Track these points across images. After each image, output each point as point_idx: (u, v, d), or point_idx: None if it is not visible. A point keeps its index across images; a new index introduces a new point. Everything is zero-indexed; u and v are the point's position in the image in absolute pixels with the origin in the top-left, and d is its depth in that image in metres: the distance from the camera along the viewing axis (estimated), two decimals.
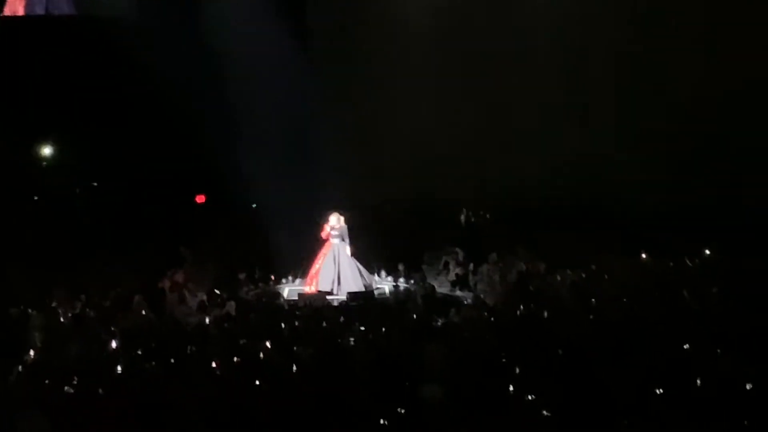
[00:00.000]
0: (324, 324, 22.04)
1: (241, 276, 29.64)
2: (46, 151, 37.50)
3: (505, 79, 33.93)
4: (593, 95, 33.27)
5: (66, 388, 15.38)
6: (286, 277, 30.59)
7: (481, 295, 26.42)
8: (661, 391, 14.10)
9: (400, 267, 30.47)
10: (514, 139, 33.70)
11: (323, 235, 29.42)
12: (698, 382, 14.67)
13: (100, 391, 15.14)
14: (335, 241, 29.24)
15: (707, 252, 27.57)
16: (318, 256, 29.45)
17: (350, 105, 35.51)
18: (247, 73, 33.06)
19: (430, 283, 28.83)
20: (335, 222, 29.43)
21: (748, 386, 14.36)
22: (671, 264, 26.69)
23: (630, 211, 30.46)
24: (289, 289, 29.65)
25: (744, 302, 20.56)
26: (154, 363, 17.36)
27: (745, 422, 12.47)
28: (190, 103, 31.62)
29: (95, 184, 37.32)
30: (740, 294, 21.59)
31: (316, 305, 25.71)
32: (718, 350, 16.60)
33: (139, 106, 34.18)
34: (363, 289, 28.10)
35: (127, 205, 33.55)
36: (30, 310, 23.38)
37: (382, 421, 13.20)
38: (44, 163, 37.50)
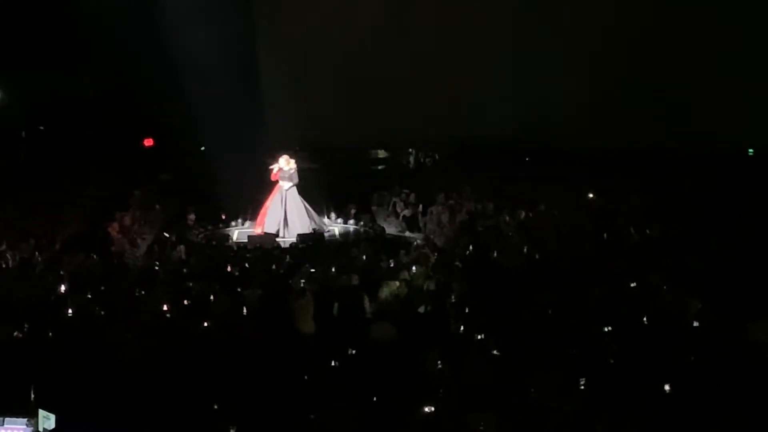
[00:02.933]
0: (273, 266, 22.07)
1: (190, 219, 29.58)
2: None
3: (449, 15, 34.00)
4: (540, 33, 33.34)
5: (15, 333, 15.31)
6: (236, 220, 30.53)
7: (431, 236, 26.50)
8: (610, 328, 14.24)
9: (351, 209, 30.51)
10: (461, 79, 33.79)
11: (272, 177, 29.32)
12: (645, 319, 14.87)
13: (50, 335, 15.10)
14: (284, 183, 29.15)
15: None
16: (267, 199, 29.39)
17: (298, 48, 35.45)
18: (196, 16, 32.81)
19: (379, 225, 28.92)
20: (284, 164, 29.31)
21: (695, 323, 14.57)
22: (618, 204, 26.86)
23: (578, 149, 30.81)
24: (238, 232, 29.63)
25: (690, 241, 20.85)
26: (103, 306, 17.30)
27: (692, 357, 12.62)
28: (137, 48, 31.47)
29: (41, 128, 37.00)
30: (686, 233, 21.88)
31: (265, 247, 25.72)
32: (665, 287, 16.79)
33: (87, 50, 33.87)
34: (311, 231, 28.09)
35: (74, 148, 33.30)
36: None
37: (333, 363, 13.26)
38: None
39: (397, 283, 18.18)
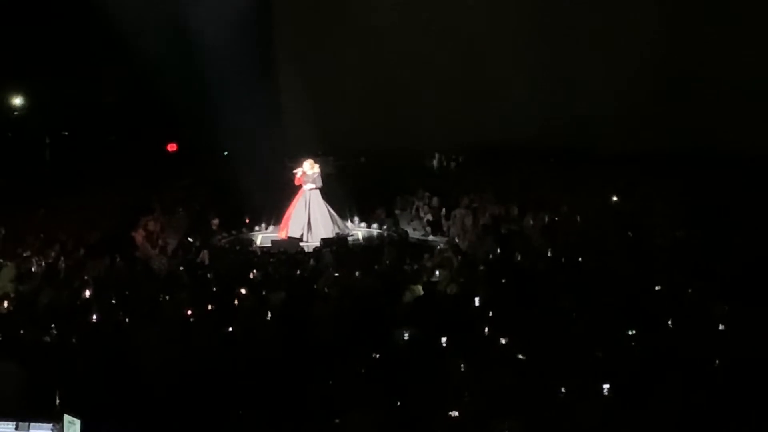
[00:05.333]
0: (297, 271, 22.10)
1: (214, 223, 29.64)
2: (16, 101, 37.24)
3: (472, 20, 33.97)
4: (561, 34, 33.26)
5: (40, 338, 15.35)
6: (259, 224, 30.57)
7: (455, 239, 26.47)
8: (634, 332, 14.18)
9: (379, 212, 30.49)
10: (484, 81, 33.78)
11: (296, 181, 29.35)
12: (669, 323, 14.80)
13: (75, 340, 15.15)
14: (308, 187, 29.18)
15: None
16: (291, 203, 29.41)
17: (321, 52, 35.54)
18: (218, 21, 32.89)
19: (403, 229, 28.91)
20: (308, 168, 29.34)
21: (721, 326, 14.49)
22: (643, 207, 26.75)
23: (602, 151, 30.75)
24: (262, 236, 29.67)
25: (714, 244, 20.74)
26: (127, 311, 17.36)
27: (717, 362, 12.55)
28: (161, 53, 31.61)
29: (66, 133, 37.14)
30: (713, 236, 21.77)
31: (289, 251, 25.75)
32: (689, 290, 16.72)
33: (111, 55, 34.00)
34: (335, 236, 28.09)
35: (98, 153, 33.44)
36: (2, 260, 23.27)
37: (357, 367, 13.22)
38: (15, 112, 37.26)
39: (420, 287, 18.15)
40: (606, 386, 11.75)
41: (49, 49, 33.75)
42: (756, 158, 29.01)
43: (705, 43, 31.07)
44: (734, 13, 30.85)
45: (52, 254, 24.20)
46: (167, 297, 18.77)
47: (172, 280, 21.42)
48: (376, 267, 22.01)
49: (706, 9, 31.35)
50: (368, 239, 28.33)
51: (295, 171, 29.46)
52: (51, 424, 11.33)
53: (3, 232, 25.66)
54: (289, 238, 28.38)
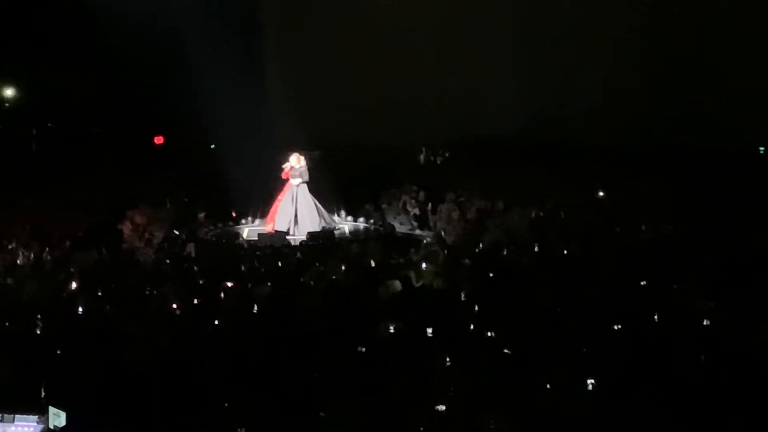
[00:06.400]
0: (281, 264, 22.09)
1: (201, 216, 29.59)
2: (3, 93, 37.17)
3: (460, 17, 34.01)
4: (548, 32, 33.32)
5: (26, 330, 15.33)
6: (246, 218, 30.50)
7: (442, 234, 26.46)
8: (619, 326, 14.23)
9: (367, 207, 30.44)
10: (472, 77, 33.83)
11: (283, 175, 29.29)
12: (656, 317, 14.83)
13: (61, 332, 15.12)
14: (294, 181, 29.13)
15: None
16: (278, 197, 29.35)
17: (308, 46, 35.56)
18: (206, 14, 32.86)
19: (389, 223, 28.88)
20: (295, 162, 29.28)
21: (706, 322, 14.54)
22: (629, 202, 26.79)
23: (588, 147, 30.82)
24: (248, 230, 29.60)
25: (699, 240, 20.80)
26: (113, 304, 17.34)
27: (702, 357, 12.59)
28: (149, 46, 31.58)
29: (50, 125, 37.07)
30: (698, 232, 21.84)
31: (275, 245, 25.73)
32: (675, 286, 16.77)
33: (99, 48, 33.94)
34: (321, 229, 28.07)
35: (85, 145, 33.39)
36: None
37: (342, 361, 13.22)
38: (6, 104, 37.23)
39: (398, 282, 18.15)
40: (591, 381, 11.79)
41: (37, 42, 33.66)
42: (741, 155, 29.17)
43: (691, 40, 31.15)
44: (718, 11, 30.93)
45: (38, 246, 24.15)
46: (153, 290, 18.75)
47: (158, 272, 21.40)
48: (361, 261, 22.01)
49: (690, 8, 31.42)
50: (355, 233, 28.30)
51: (282, 165, 29.40)
52: (36, 416, 11.33)
53: None
54: (276, 231, 28.31)
